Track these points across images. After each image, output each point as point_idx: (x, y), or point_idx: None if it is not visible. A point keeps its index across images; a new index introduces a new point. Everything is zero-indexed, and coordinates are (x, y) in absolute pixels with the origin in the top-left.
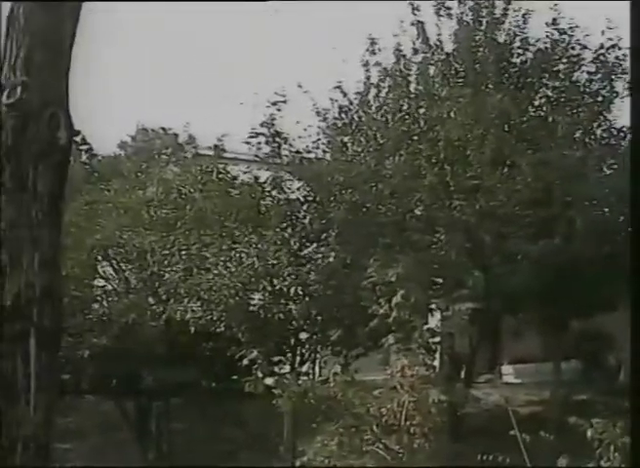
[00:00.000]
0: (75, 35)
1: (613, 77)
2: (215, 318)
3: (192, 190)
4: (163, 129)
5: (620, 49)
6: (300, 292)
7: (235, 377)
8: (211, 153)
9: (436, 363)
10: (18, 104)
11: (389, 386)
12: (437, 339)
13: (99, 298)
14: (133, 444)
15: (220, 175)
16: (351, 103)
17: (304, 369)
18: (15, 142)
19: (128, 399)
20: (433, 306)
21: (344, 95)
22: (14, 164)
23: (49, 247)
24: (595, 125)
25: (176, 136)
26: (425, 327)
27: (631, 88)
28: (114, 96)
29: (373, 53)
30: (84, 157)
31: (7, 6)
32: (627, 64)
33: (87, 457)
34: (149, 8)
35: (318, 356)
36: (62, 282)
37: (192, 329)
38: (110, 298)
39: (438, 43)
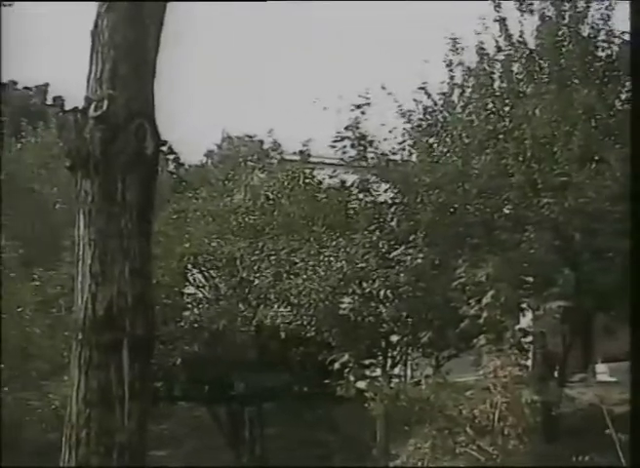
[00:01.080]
0: (159, 46)
1: None
2: (305, 322)
3: (279, 196)
4: (248, 136)
5: None
6: (390, 295)
7: (327, 381)
8: (296, 158)
9: (529, 363)
10: (104, 117)
11: (482, 387)
12: (529, 339)
13: (189, 306)
14: (226, 449)
15: (307, 180)
16: (436, 104)
17: (396, 371)
18: (103, 154)
19: (220, 405)
20: (524, 306)
21: (429, 95)
22: (102, 175)
23: (139, 256)
24: None
25: (261, 142)
26: (517, 326)
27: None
28: (199, 105)
29: (456, 52)
30: (171, 166)
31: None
32: None
33: (182, 464)
34: (232, 15)
35: (409, 358)
36: (154, 290)
37: (283, 334)
38: (201, 305)
39: (521, 39)
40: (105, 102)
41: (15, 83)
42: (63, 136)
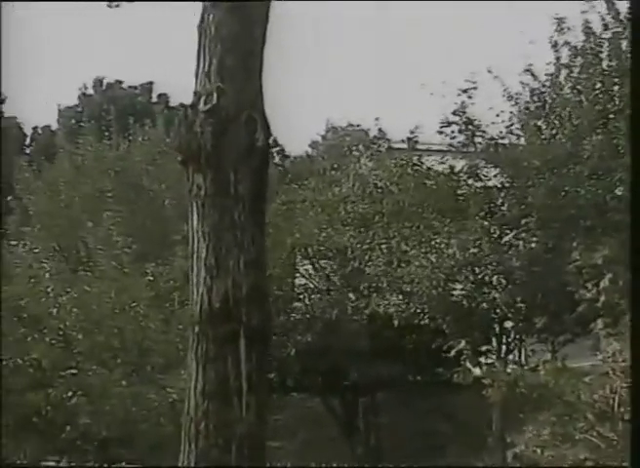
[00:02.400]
0: (265, 38)
1: None
2: (417, 310)
3: (388, 184)
4: (352, 125)
5: None
6: (503, 280)
7: (440, 369)
8: (404, 146)
9: None
10: (214, 110)
11: (601, 372)
12: None
13: (300, 297)
14: (340, 440)
15: (415, 167)
16: (543, 86)
17: (511, 357)
18: (214, 148)
19: (334, 395)
20: None
21: (535, 77)
22: (214, 169)
23: (253, 247)
24: None
25: (365, 131)
26: None
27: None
28: (303, 96)
29: (561, 32)
30: (277, 158)
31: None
32: None
33: (296, 455)
34: (334, 5)
35: (524, 344)
36: (268, 281)
37: (396, 322)
38: (312, 296)
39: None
40: (215, 96)
41: (120, 82)
42: (174, 131)
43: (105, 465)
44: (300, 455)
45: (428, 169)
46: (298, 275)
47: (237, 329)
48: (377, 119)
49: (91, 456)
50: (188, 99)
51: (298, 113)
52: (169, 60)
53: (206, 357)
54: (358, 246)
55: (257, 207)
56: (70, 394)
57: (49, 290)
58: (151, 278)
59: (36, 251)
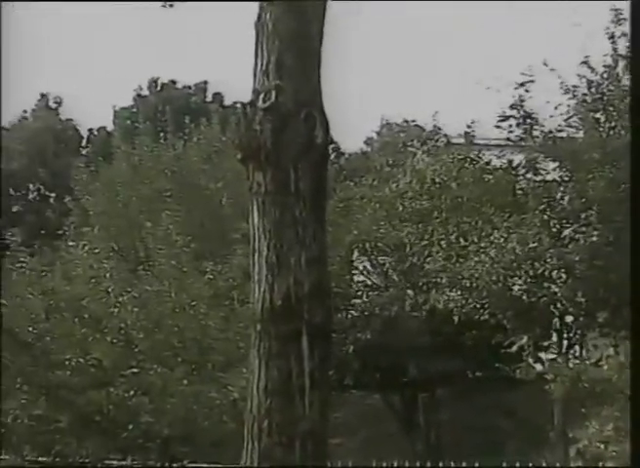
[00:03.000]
0: (323, 36)
1: None
2: (477, 306)
3: (446, 179)
4: (407, 122)
5: None
6: (564, 275)
7: (500, 365)
8: (461, 141)
9: None
10: (273, 108)
11: None
12: None
13: (359, 293)
14: (400, 436)
15: (474, 162)
16: (601, 78)
17: (572, 353)
18: (274, 145)
19: (393, 392)
20: None
21: (592, 70)
22: (274, 166)
23: (315, 244)
24: None
25: (421, 127)
26: None
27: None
28: (357, 93)
29: (618, 23)
30: (332, 155)
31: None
32: None
33: (356, 452)
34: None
35: (585, 339)
36: (330, 278)
37: (455, 318)
38: (370, 293)
39: None
40: (273, 93)
41: (174, 82)
42: (233, 129)
43: (167, 463)
44: (360, 453)
45: (487, 163)
46: (355, 272)
47: (299, 326)
48: (435, 114)
49: (153, 455)
50: (243, 98)
51: (352, 110)
52: (223, 60)
53: (268, 355)
54: (417, 242)
55: (317, 203)
56: (132, 393)
57: (110, 290)
58: (211, 277)
59: (96, 251)
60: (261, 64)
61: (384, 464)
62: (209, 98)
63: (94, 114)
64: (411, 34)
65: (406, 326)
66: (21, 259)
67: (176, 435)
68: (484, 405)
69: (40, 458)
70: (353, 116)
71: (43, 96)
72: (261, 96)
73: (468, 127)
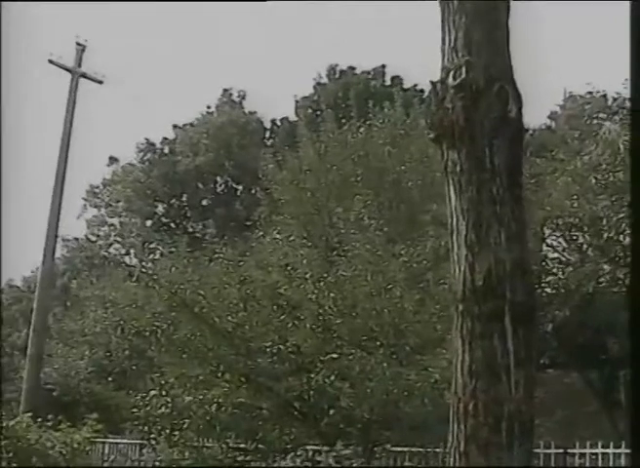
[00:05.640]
0: (509, 9)
1: None
2: None
3: None
4: (591, 93)
5: None
6: None
7: None
8: None
9: None
10: (464, 84)
11: None
12: None
13: (554, 270)
14: (601, 415)
15: None
16: None
17: None
18: (467, 122)
19: (592, 370)
20: None
21: None
22: (468, 144)
23: (513, 221)
24: None
25: (604, 97)
26: None
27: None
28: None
29: None
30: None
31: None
32: None
33: (556, 432)
34: None
35: None
36: (531, 255)
37: None
38: (565, 269)
39: None
40: (463, 70)
41: (353, 68)
42: (426, 108)
43: (370, 447)
44: (559, 433)
45: None
46: (548, 248)
47: (502, 305)
48: (624, 81)
49: (354, 439)
50: (421, 81)
51: (533, 84)
52: (398, 44)
53: (472, 335)
54: (612, 215)
55: (513, 180)
56: (332, 378)
57: (307, 276)
58: (405, 259)
59: (291, 238)
60: (449, 41)
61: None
62: (388, 82)
63: (275, 106)
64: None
65: (604, 301)
66: (217, 250)
67: (376, 419)
68: None
69: (243, 445)
70: (535, 90)
71: (226, 90)
72: (451, 73)
73: None
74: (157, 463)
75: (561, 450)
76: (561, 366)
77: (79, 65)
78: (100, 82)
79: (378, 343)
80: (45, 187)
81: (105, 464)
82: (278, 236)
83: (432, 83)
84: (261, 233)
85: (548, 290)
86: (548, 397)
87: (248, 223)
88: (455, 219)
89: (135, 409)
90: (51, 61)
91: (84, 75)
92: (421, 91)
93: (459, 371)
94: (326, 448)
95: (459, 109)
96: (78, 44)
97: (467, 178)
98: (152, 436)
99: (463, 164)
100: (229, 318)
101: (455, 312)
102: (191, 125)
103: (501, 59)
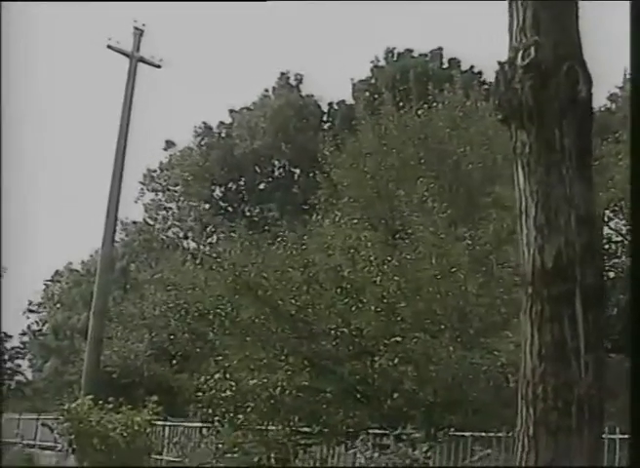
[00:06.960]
0: None
1: None
2: None
3: None
4: None
5: None
6: None
7: None
8: None
9: None
10: (533, 64)
11: None
12: None
13: (617, 253)
14: None
15: None
16: None
17: None
18: (536, 103)
19: None
20: None
21: None
22: (538, 124)
23: (583, 203)
24: None
25: None
26: None
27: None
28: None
29: None
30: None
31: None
32: None
33: (618, 417)
34: None
35: None
36: (601, 237)
37: None
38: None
39: None
40: (532, 49)
41: (410, 51)
42: (492, 89)
43: (433, 431)
44: (622, 417)
45: None
46: (612, 232)
47: (572, 288)
48: None
49: (417, 423)
50: (478, 62)
51: (593, 65)
52: (454, 26)
53: (541, 318)
54: None
55: (583, 161)
56: (395, 361)
57: (371, 258)
58: (469, 242)
59: (354, 221)
60: (517, 21)
61: None
62: (445, 65)
63: (332, 89)
64: None
65: None
66: (279, 234)
67: (440, 402)
68: None
69: (306, 428)
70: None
71: (283, 74)
72: (520, 53)
73: None
74: (220, 446)
75: (626, 436)
76: (622, 350)
77: (137, 50)
78: (159, 66)
79: (442, 326)
80: (104, 171)
81: (170, 446)
82: (340, 219)
83: (500, 63)
84: (321, 216)
85: (612, 273)
86: (612, 381)
87: (305, 207)
88: (523, 201)
89: (199, 392)
90: (109, 47)
91: (142, 60)
92: (479, 73)
93: (527, 355)
94: (395, 432)
95: (527, 90)
96: (136, 29)
97: (536, 159)
98: (217, 418)
99: (533, 145)
100: (292, 301)
101: (523, 295)
102: (248, 109)
103: (571, 38)
